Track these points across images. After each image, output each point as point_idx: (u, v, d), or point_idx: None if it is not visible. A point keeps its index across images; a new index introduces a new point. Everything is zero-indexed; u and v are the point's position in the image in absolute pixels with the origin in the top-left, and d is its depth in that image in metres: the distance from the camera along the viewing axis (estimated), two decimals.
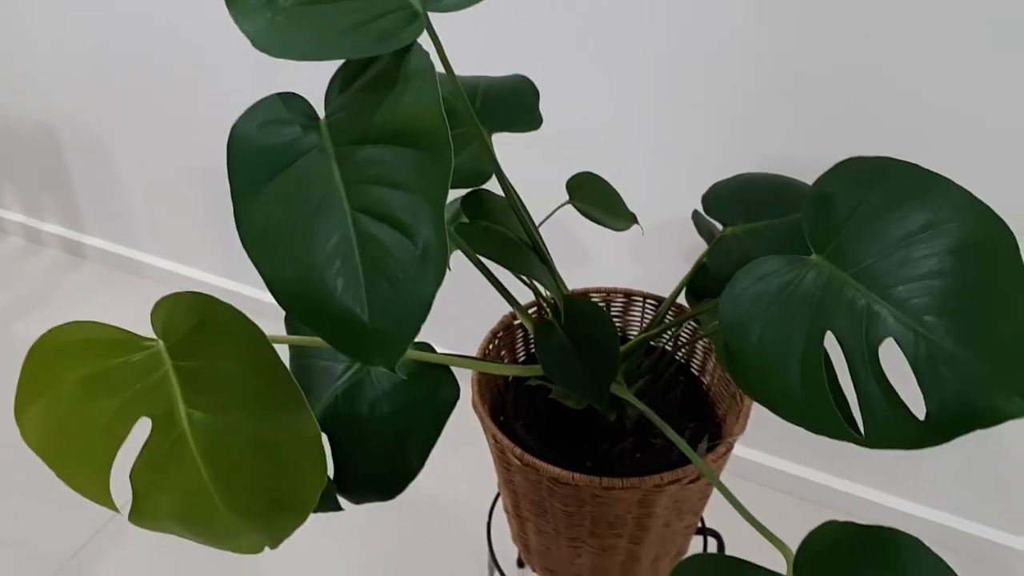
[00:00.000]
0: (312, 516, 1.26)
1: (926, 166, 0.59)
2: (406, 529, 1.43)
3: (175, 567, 1.37)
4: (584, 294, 1.02)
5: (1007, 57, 0.96)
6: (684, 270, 0.88)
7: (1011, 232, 0.54)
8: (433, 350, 0.71)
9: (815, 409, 0.58)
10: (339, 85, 0.59)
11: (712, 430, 0.94)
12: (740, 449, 1.43)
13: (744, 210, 0.84)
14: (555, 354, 0.78)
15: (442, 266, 0.51)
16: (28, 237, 2.21)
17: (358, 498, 0.69)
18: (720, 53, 1.10)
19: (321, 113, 0.58)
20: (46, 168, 2.00)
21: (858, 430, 0.56)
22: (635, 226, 0.93)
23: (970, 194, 0.56)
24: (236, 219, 0.57)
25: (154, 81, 1.66)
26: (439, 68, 0.67)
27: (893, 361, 0.56)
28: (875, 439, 0.55)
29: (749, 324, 0.61)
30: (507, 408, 0.97)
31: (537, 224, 0.87)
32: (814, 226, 0.61)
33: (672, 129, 1.18)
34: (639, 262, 1.31)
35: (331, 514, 1.46)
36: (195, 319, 0.54)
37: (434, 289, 0.51)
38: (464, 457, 1.27)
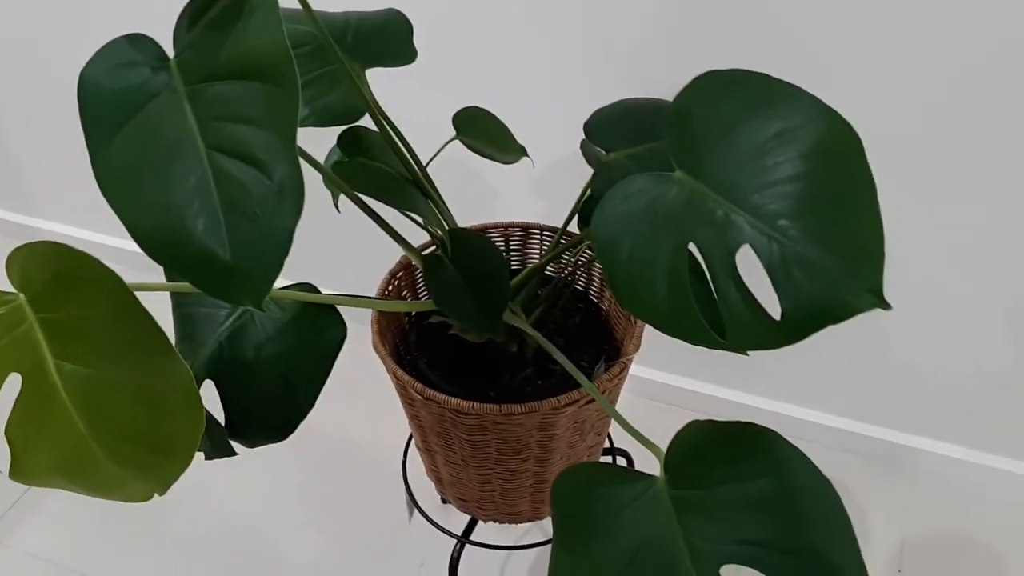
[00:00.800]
0: (225, 463, 1.26)
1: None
2: (324, 474, 1.44)
3: (97, 528, 1.36)
4: (482, 230, 1.03)
5: None
6: None
7: (857, 135, 0.56)
8: (318, 291, 0.71)
9: (682, 318, 0.60)
10: (186, 23, 0.58)
11: (610, 353, 0.96)
12: (649, 372, 1.47)
13: (626, 135, 0.85)
14: (445, 288, 0.78)
15: (299, 200, 0.51)
16: None
17: (251, 442, 0.69)
18: None
19: (171, 53, 0.57)
20: None
21: (724, 336, 0.59)
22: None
23: (819, 101, 0.58)
24: (93, 166, 0.56)
25: (37, 42, 1.59)
26: (298, 12, 0.66)
27: (754, 269, 0.59)
28: (736, 342, 0.57)
29: (619, 242, 0.62)
30: (411, 347, 0.97)
31: (425, 162, 0.87)
32: (675, 142, 0.62)
33: (564, 61, 1.18)
34: (543, 198, 1.32)
35: (249, 462, 1.47)
36: (53, 270, 0.53)
37: (292, 223, 0.51)
38: (378, 401, 1.28)
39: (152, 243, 0.54)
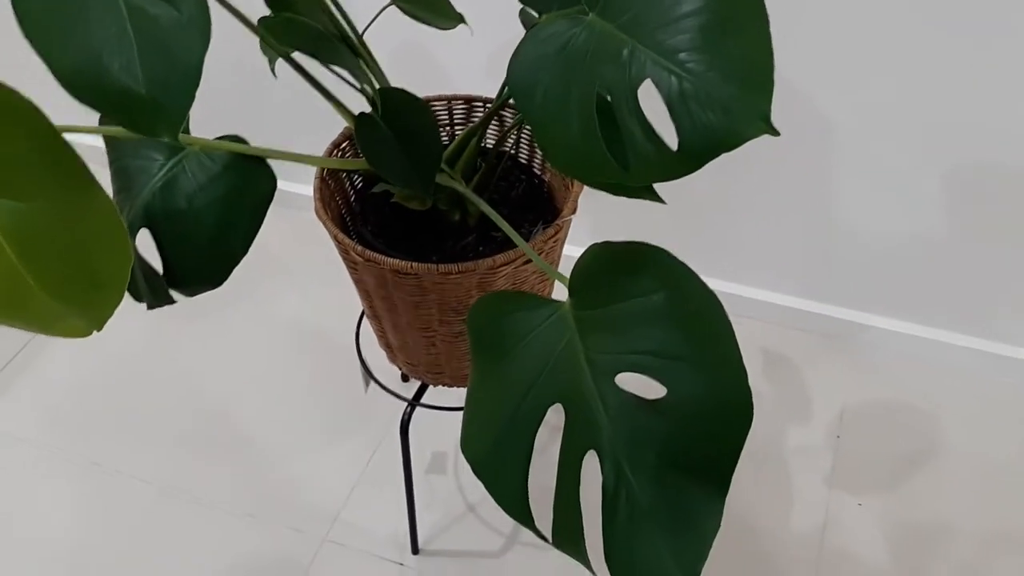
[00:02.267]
0: (189, 345, 1.29)
1: None
2: (286, 355, 1.48)
3: (64, 405, 1.41)
4: (425, 102, 1.04)
5: None
6: None
7: None
8: (246, 143, 0.73)
9: (591, 156, 0.62)
10: None
11: (550, 221, 0.99)
12: None
13: None
14: (377, 145, 0.81)
15: (206, 30, 0.53)
16: None
17: (188, 289, 0.72)
18: None
19: None
20: None
21: (628, 169, 0.61)
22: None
23: None
24: (15, 11, 0.57)
25: None
26: None
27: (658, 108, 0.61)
28: (639, 174, 0.60)
29: (533, 85, 0.65)
30: (356, 217, 1.00)
31: (362, 29, 0.88)
32: None
33: None
34: (494, 77, 1.33)
35: (216, 343, 1.50)
36: None
37: (201, 52, 0.53)
38: (336, 288, 1.32)
39: (74, 82, 0.56)
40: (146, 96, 0.54)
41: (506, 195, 1.03)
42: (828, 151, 1.24)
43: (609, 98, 0.62)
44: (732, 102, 0.57)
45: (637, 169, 0.60)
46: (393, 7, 0.92)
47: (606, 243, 0.60)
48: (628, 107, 0.60)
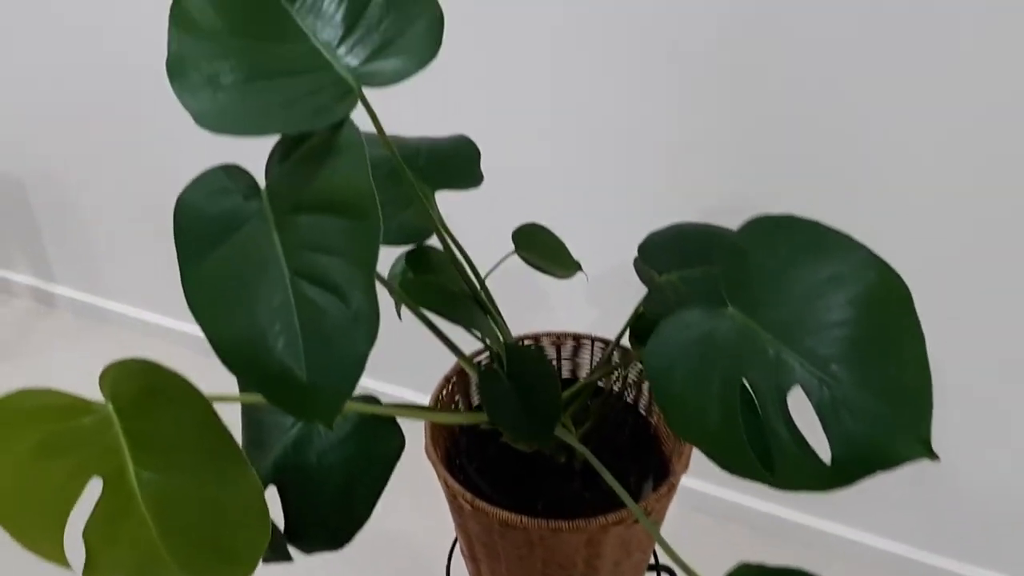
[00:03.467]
0: (268, 567, 1.26)
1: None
2: (369, 572, 1.44)
3: None
4: (535, 338, 1.06)
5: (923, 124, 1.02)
6: None
7: (905, 285, 0.58)
8: (379, 402, 0.74)
9: (732, 451, 0.61)
10: (278, 157, 0.63)
11: (658, 469, 0.97)
12: (699, 484, 1.46)
13: (678, 258, 0.88)
14: (499, 401, 0.81)
15: (374, 327, 0.55)
16: None
17: (308, 547, 0.71)
18: (659, 106, 1.15)
19: (262, 183, 0.62)
20: (15, 218, 2.02)
21: (773, 471, 0.60)
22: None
23: (869, 250, 0.60)
24: (183, 283, 0.60)
25: (122, 131, 1.69)
26: (375, 137, 0.71)
27: (801, 406, 0.60)
28: (784, 480, 0.59)
29: (672, 370, 0.65)
30: (461, 452, 1.00)
31: (484, 275, 0.91)
32: (728, 279, 0.65)
33: (620, 180, 1.23)
34: (595, 307, 1.35)
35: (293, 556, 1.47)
36: (141, 384, 0.57)
37: (367, 349, 0.54)
38: (426, 503, 1.30)
39: (233, 357, 0.58)
40: (306, 382, 0.55)
41: (612, 438, 1.02)
42: (953, 402, 1.21)
43: (753, 394, 0.61)
44: (888, 421, 0.56)
45: (784, 474, 0.59)
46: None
47: (761, 566, 0.58)
48: (774, 408, 0.60)
